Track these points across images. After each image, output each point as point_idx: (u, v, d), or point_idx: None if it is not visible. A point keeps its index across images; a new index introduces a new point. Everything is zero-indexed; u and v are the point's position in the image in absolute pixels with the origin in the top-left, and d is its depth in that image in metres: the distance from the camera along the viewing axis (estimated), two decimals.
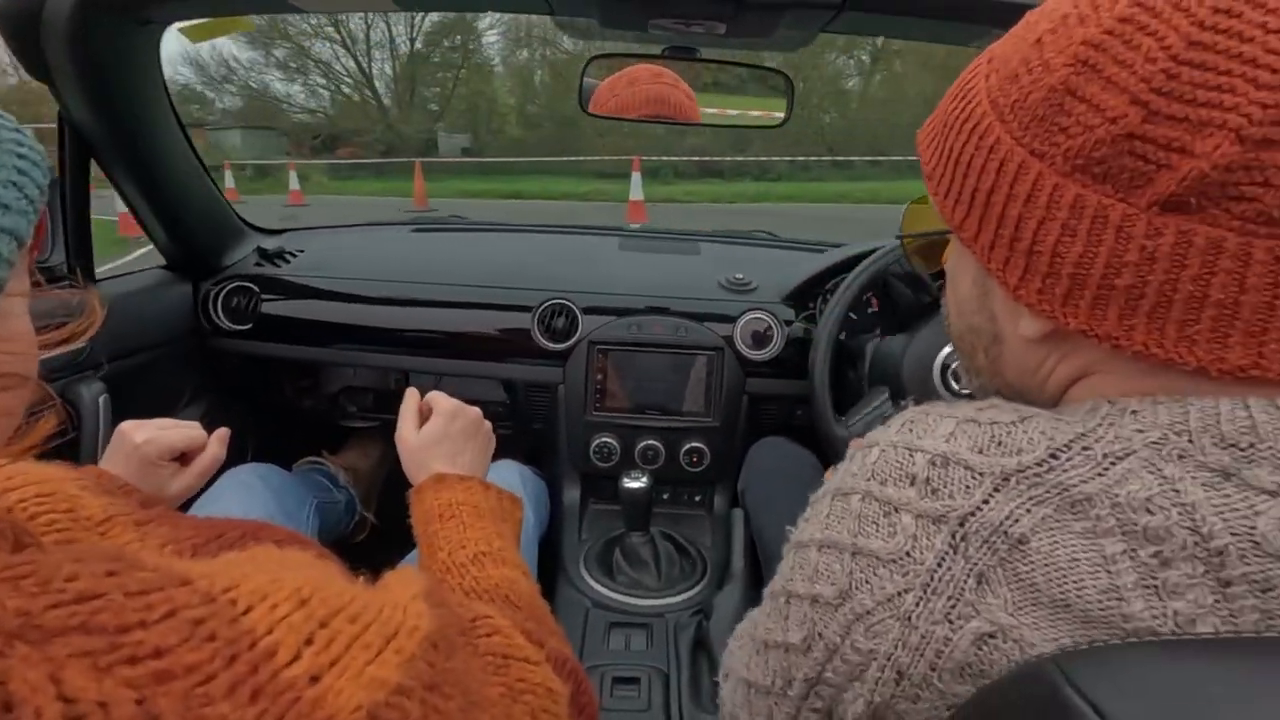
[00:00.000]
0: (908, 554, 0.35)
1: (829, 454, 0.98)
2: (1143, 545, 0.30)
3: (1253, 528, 0.29)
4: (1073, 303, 0.34)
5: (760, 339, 1.18)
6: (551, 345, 1.18)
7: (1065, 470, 0.32)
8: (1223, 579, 0.29)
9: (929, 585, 0.34)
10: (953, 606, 0.33)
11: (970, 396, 0.86)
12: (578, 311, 1.19)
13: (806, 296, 1.20)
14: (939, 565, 0.34)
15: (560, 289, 1.21)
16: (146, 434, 0.67)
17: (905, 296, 1.17)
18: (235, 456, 1.31)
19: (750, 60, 1.09)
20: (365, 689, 0.24)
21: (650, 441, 1.19)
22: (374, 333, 1.22)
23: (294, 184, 11.33)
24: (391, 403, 1.39)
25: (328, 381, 1.41)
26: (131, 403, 1.08)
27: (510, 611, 0.48)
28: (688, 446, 1.20)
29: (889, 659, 0.35)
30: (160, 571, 0.23)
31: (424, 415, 0.71)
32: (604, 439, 1.19)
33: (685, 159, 14.71)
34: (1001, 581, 0.32)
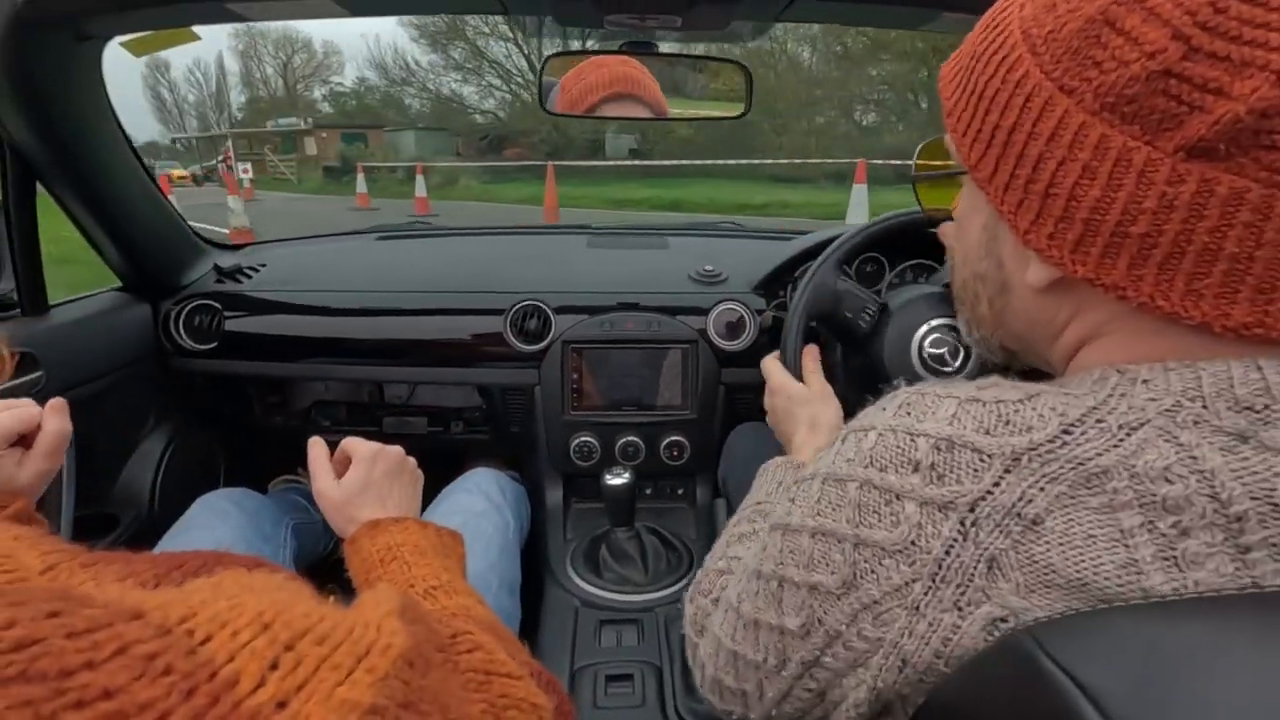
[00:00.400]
0: (913, 543, 0.34)
1: None
2: (1161, 516, 0.29)
3: (1272, 490, 0.29)
4: (1083, 249, 0.34)
5: (733, 329, 1.18)
6: (525, 347, 1.18)
7: (1080, 444, 0.32)
8: (1242, 545, 0.29)
9: (937, 574, 0.33)
10: (962, 594, 0.33)
11: (952, 374, 0.88)
12: (550, 312, 1.18)
13: (776, 285, 1.21)
14: (947, 554, 0.33)
15: (531, 290, 1.20)
16: None
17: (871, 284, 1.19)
18: (207, 479, 1.29)
19: (709, 54, 1.09)
20: (335, 712, 0.23)
21: (630, 438, 1.19)
22: (343, 345, 1.20)
23: (420, 190, 10.91)
24: (367, 415, 1.37)
25: (298, 397, 1.39)
26: (93, 431, 1.05)
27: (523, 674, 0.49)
28: (667, 440, 1.20)
29: (895, 646, 0.35)
30: (109, 608, 0.22)
31: (341, 464, 0.68)
32: (583, 438, 1.19)
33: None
34: (1014, 565, 0.31)
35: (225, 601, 0.25)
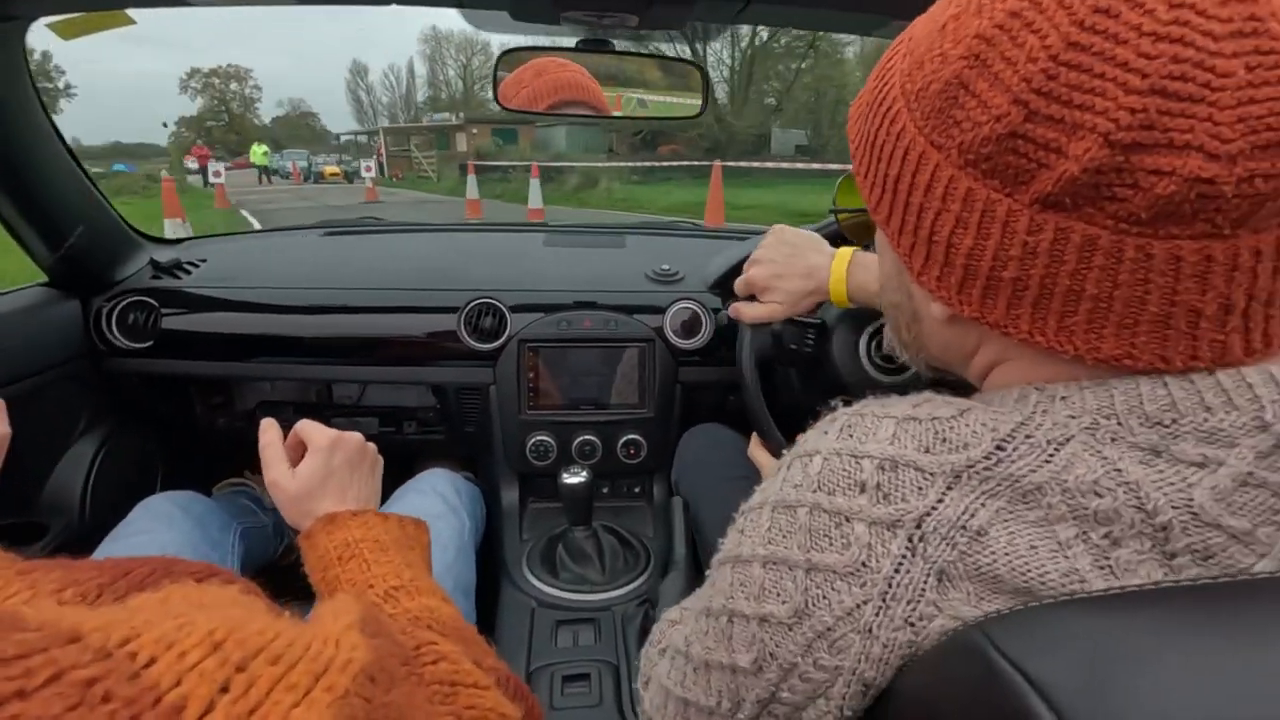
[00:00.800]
0: (864, 564, 0.34)
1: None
2: (1094, 528, 0.31)
3: (1190, 500, 0.30)
4: (966, 291, 0.36)
5: (689, 328, 1.19)
6: (480, 346, 1.16)
7: (1013, 461, 0.33)
8: (1168, 552, 0.30)
9: (886, 593, 0.34)
10: (913, 609, 0.33)
11: (897, 372, 0.90)
12: (505, 310, 1.17)
13: (731, 283, 1.22)
14: (896, 571, 0.33)
15: (486, 288, 1.19)
16: None
17: None
18: (143, 484, 1.23)
19: (665, 53, 1.09)
20: None
21: (586, 436, 1.19)
22: (290, 343, 1.16)
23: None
24: (315, 415, 1.33)
25: (242, 397, 1.34)
26: (19, 435, 0.99)
27: (437, 639, 0.48)
28: (624, 439, 1.20)
29: (854, 673, 0.35)
30: (44, 630, 0.21)
31: (295, 450, 0.64)
32: (540, 437, 1.18)
33: None
34: (963, 576, 0.32)
35: (173, 621, 0.23)
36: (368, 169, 14.81)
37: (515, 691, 0.45)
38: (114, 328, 1.12)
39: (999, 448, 0.33)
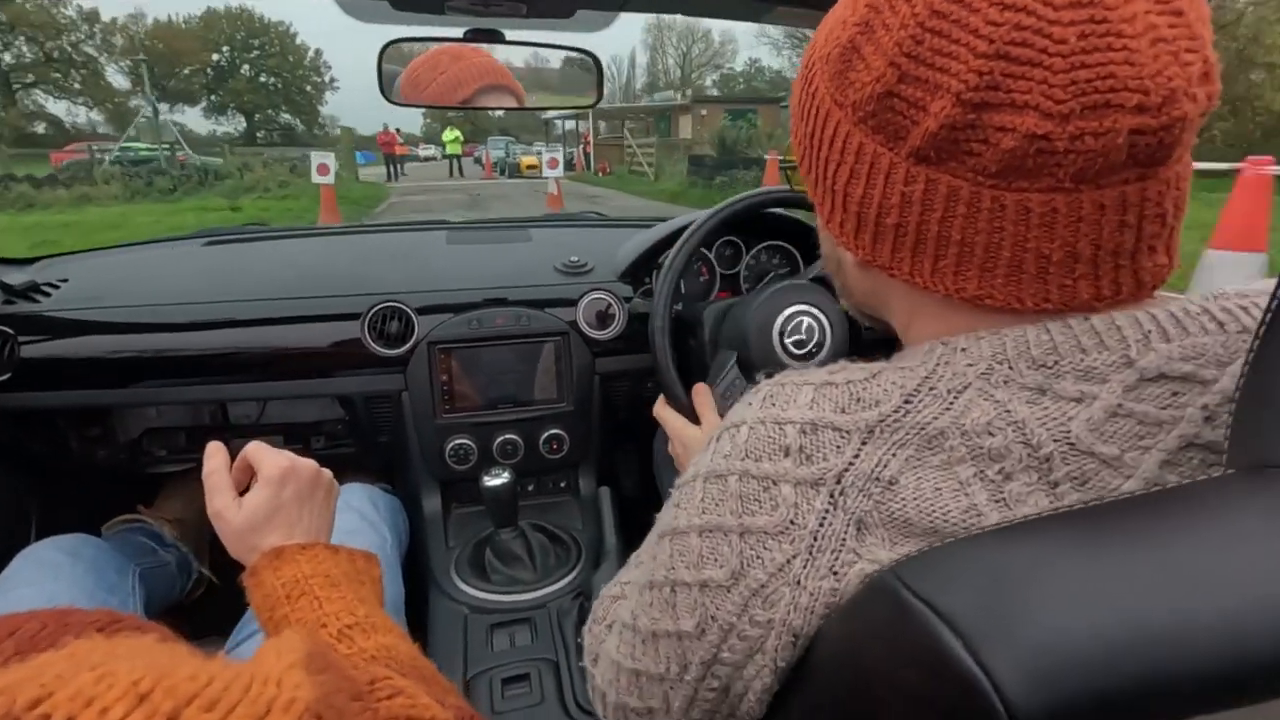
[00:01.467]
0: (792, 522, 0.37)
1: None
2: (989, 465, 0.34)
3: (1068, 432, 0.34)
4: (861, 237, 0.40)
5: (603, 318, 1.19)
6: (387, 351, 1.12)
7: (920, 411, 0.36)
8: (1051, 481, 0.34)
9: (812, 546, 0.36)
10: (836, 558, 0.36)
11: (806, 358, 0.94)
12: (411, 313, 1.13)
13: (641, 271, 1.23)
14: (820, 525, 0.36)
15: (389, 291, 1.14)
16: None
17: (730, 264, 1.24)
18: (18, 532, 1.11)
19: (557, 42, 1.08)
20: None
21: (507, 436, 1.17)
22: (175, 363, 1.07)
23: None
24: (211, 439, 1.24)
25: (124, 427, 1.23)
26: None
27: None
28: (546, 435, 1.19)
29: (784, 624, 0.37)
30: None
31: (242, 474, 0.60)
32: (458, 440, 1.15)
33: None
34: (878, 523, 0.35)
35: (89, 674, 0.21)
36: (552, 163, 10.19)
37: None
38: None
39: (906, 401, 0.37)
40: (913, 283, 0.38)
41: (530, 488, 1.26)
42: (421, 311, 1.13)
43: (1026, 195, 0.34)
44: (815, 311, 0.92)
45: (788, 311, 0.91)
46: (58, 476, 1.21)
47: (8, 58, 33.76)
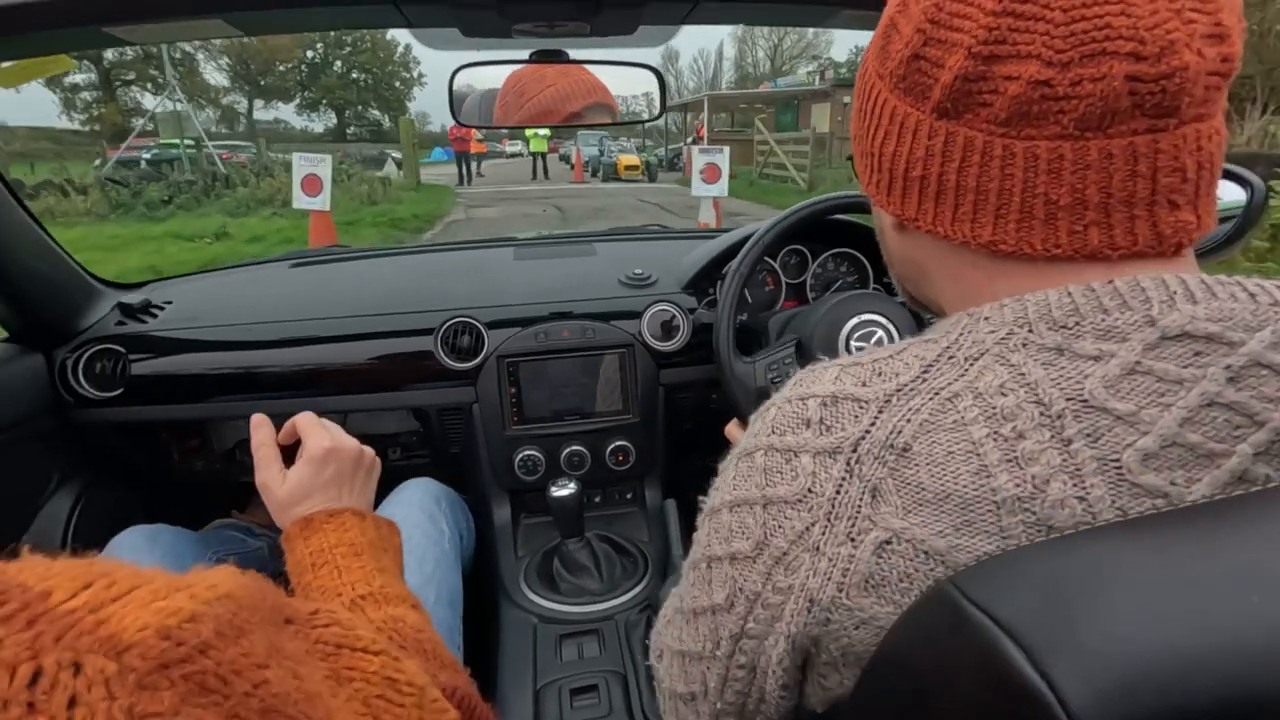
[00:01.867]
0: (809, 490, 0.38)
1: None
2: (1001, 424, 0.35)
3: (1081, 389, 0.34)
4: (892, 193, 0.43)
5: (668, 330, 1.19)
6: (459, 365, 1.15)
7: (936, 378, 0.37)
8: (1064, 438, 0.34)
9: (830, 513, 0.37)
10: (853, 525, 0.36)
11: None
12: (481, 327, 1.16)
13: (705, 282, 1.23)
14: (838, 492, 0.37)
15: (461, 306, 1.18)
16: None
17: (798, 274, 1.22)
18: None
19: (620, 58, 1.09)
20: (153, 615, 0.24)
21: (574, 447, 1.18)
22: (265, 378, 1.14)
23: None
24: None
25: (219, 438, 1.31)
26: None
27: (396, 651, 0.47)
28: (612, 446, 1.20)
29: (803, 589, 0.38)
30: None
31: (289, 438, 0.64)
32: (527, 451, 1.18)
33: None
34: (892, 490, 0.36)
35: (40, 560, 0.26)
36: (711, 172, 6.02)
37: (462, 702, 0.45)
38: (81, 378, 1.09)
39: (925, 370, 0.38)
40: (935, 232, 0.41)
41: (597, 499, 1.27)
42: (491, 326, 1.16)
43: (1035, 143, 0.36)
44: (884, 320, 0.90)
45: (855, 320, 0.89)
46: (159, 485, 1.30)
47: (110, 55, 34.43)
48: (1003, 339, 0.37)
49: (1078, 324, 0.36)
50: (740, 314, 1.04)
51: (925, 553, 0.35)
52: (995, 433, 0.35)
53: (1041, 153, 0.36)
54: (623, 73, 1.01)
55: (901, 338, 0.90)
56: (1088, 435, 0.34)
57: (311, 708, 0.29)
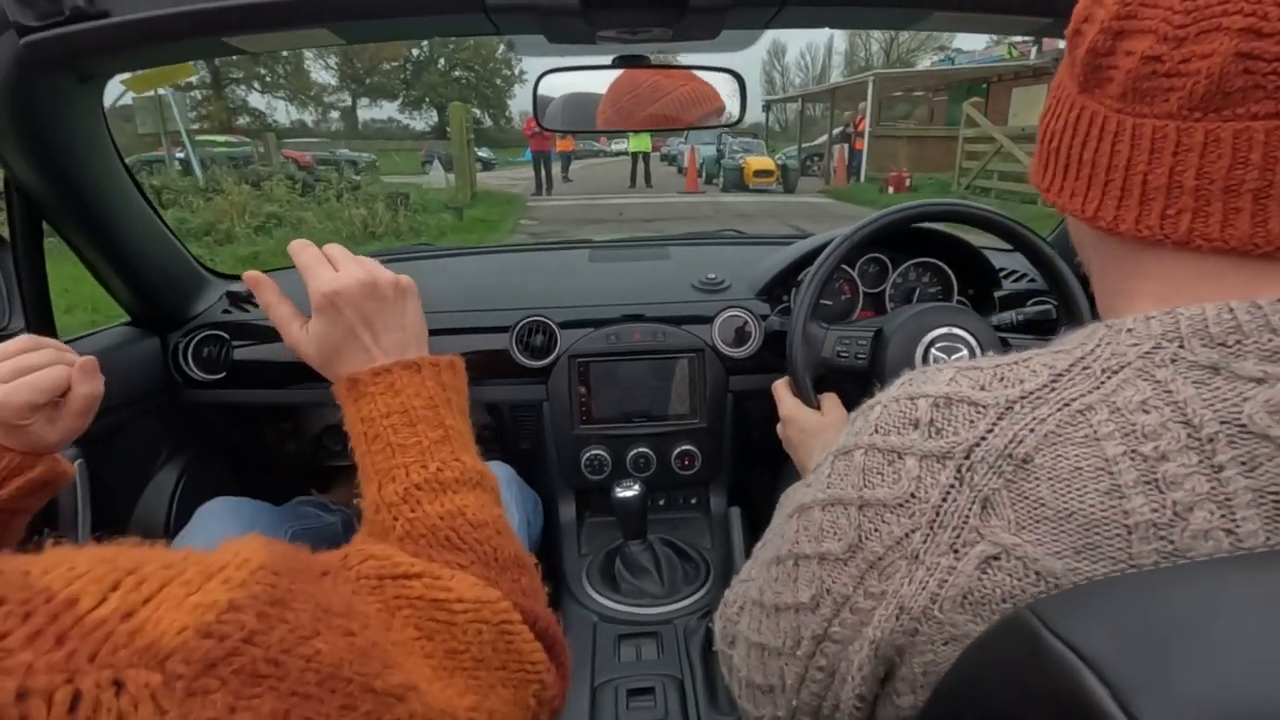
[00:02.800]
0: (913, 495, 0.36)
1: None
2: (1141, 443, 0.32)
3: (1239, 413, 0.32)
4: (1046, 174, 0.42)
5: (739, 336, 1.18)
6: (532, 363, 1.18)
7: (1067, 388, 0.35)
8: (1215, 464, 0.31)
9: (935, 521, 0.35)
10: (957, 536, 0.35)
11: None
12: (555, 327, 1.18)
13: (779, 289, 1.21)
14: (944, 500, 0.35)
15: (535, 306, 1.21)
16: None
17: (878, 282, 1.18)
18: None
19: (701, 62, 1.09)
20: (190, 614, 0.23)
21: (640, 449, 1.19)
22: None
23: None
24: None
25: (309, 423, 1.39)
26: (108, 466, 1.06)
27: (452, 555, 0.43)
28: (678, 450, 1.20)
29: (895, 596, 0.36)
30: None
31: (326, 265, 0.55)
32: (594, 451, 1.19)
33: None
34: (1006, 503, 0.34)
35: (67, 550, 0.25)
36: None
37: (543, 632, 0.42)
38: (190, 361, 1.18)
39: (1054, 379, 0.36)
40: (1060, 207, 0.41)
41: (661, 502, 1.27)
42: (564, 326, 1.19)
43: (1144, 121, 0.35)
44: (965, 334, 0.86)
45: (938, 331, 0.86)
46: (256, 465, 1.39)
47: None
48: (1147, 353, 0.35)
49: (1239, 342, 0.33)
50: (814, 322, 1.02)
51: (1037, 573, 0.33)
52: (1133, 451, 0.32)
53: (1148, 131, 0.35)
54: (713, 80, 1.01)
55: (983, 353, 0.86)
56: (1243, 463, 0.31)
57: (366, 662, 0.28)
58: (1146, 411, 0.33)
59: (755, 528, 1.06)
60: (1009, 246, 0.96)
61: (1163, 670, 0.24)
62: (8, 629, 0.20)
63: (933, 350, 0.86)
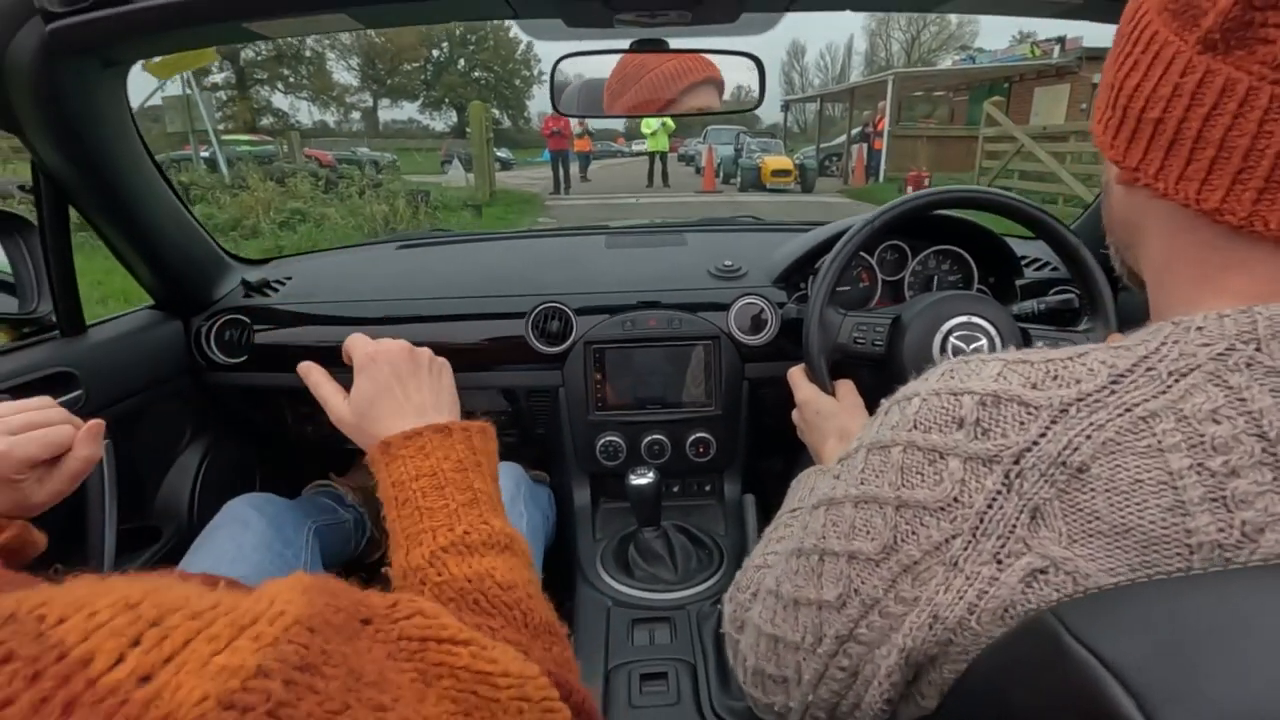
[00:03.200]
0: (955, 499, 0.34)
1: None
2: (1210, 456, 0.30)
3: None
4: (1119, 135, 0.38)
5: (755, 324, 1.18)
6: (547, 349, 1.18)
7: (1129, 392, 0.32)
8: None
9: (978, 528, 0.33)
10: (1002, 546, 0.33)
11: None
12: (571, 313, 1.19)
13: (796, 277, 1.20)
14: (989, 507, 0.33)
15: (552, 292, 1.21)
16: None
17: (896, 270, 1.17)
18: (243, 490, 1.31)
19: (720, 46, 1.08)
20: (213, 679, 0.21)
21: (655, 436, 1.19)
22: None
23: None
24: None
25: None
26: (133, 446, 1.08)
27: (482, 619, 0.42)
28: (693, 437, 1.20)
29: (929, 603, 0.35)
30: None
31: (350, 362, 0.62)
32: (609, 437, 1.19)
33: None
34: (1057, 514, 0.32)
35: (89, 588, 0.23)
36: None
37: (578, 707, 0.40)
38: (213, 344, 1.20)
39: (1114, 380, 0.33)
40: (1155, 188, 0.36)
41: (675, 489, 1.27)
42: (580, 312, 1.19)
43: None
44: (984, 323, 0.85)
45: (956, 320, 0.85)
46: (276, 446, 1.41)
47: (248, 52, 35.47)
48: (1220, 354, 0.31)
49: None
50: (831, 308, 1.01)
51: (1086, 590, 0.31)
52: (1200, 465, 0.30)
53: None
54: (727, 65, 0.99)
55: (1005, 346, 0.84)
56: None
57: None
58: (1217, 421, 0.30)
59: (769, 515, 1.06)
60: (1031, 234, 0.95)
61: (1192, 681, 0.23)
62: (13, 694, 0.19)
63: (951, 339, 0.85)
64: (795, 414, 0.89)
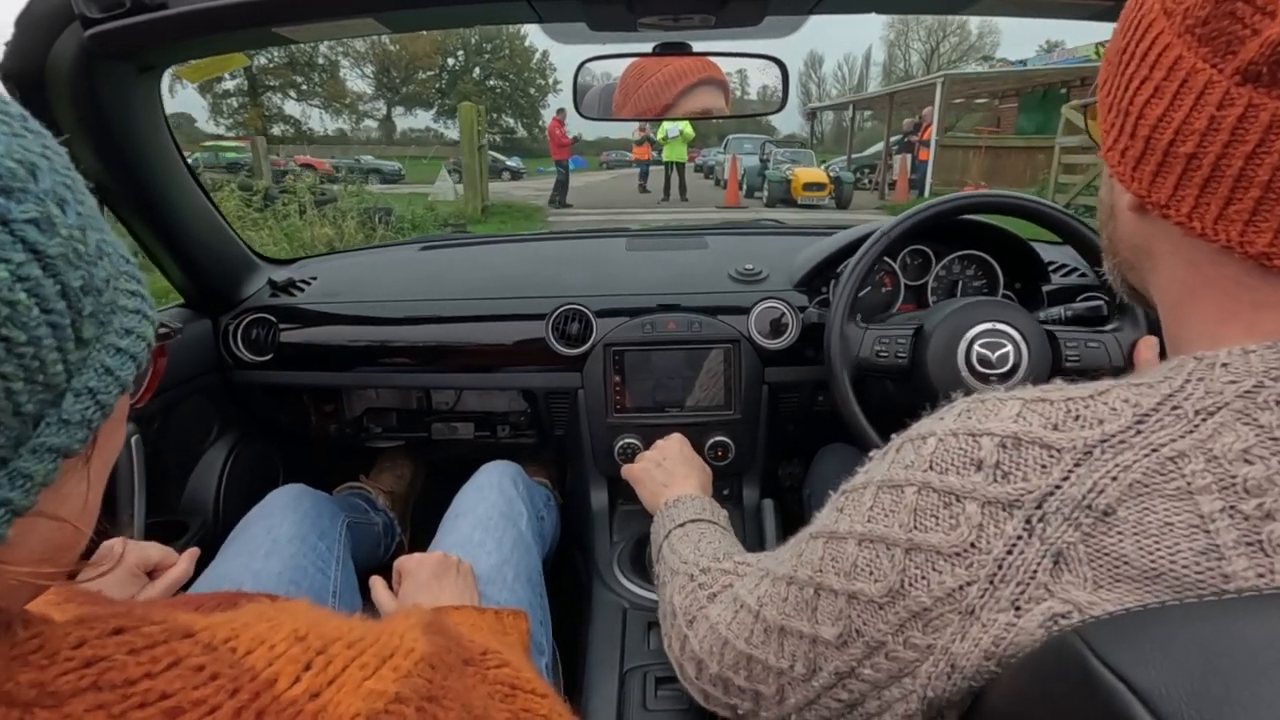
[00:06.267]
0: (972, 545, 0.33)
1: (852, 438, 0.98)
2: (1243, 499, 0.29)
3: None
4: (1141, 168, 0.35)
5: (775, 328, 1.17)
6: (567, 351, 1.19)
7: (1155, 432, 0.31)
8: None
9: (996, 575, 0.32)
10: (1021, 592, 0.32)
11: (1005, 377, 0.85)
12: (591, 315, 1.19)
13: (818, 281, 1.19)
14: (1009, 553, 0.32)
15: (572, 294, 1.21)
16: (128, 546, 0.71)
17: (919, 274, 1.16)
18: (267, 487, 1.34)
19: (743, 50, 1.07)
20: (364, 699, 0.27)
21: None
22: (391, 353, 1.23)
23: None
24: (416, 421, 1.41)
25: (351, 405, 1.43)
26: (162, 441, 1.11)
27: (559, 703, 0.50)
28: (712, 441, 1.19)
29: (945, 652, 0.34)
30: (166, 625, 0.27)
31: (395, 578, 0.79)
32: (627, 439, 1.20)
33: None
34: (1082, 560, 0.31)
35: (265, 623, 0.29)
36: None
37: None
38: (239, 343, 1.22)
39: (1139, 420, 0.31)
40: (1189, 228, 0.33)
41: None
42: (600, 314, 1.19)
43: None
44: (1009, 330, 0.84)
45: (978, 328, 0.83)
46: (300, 444, 1.43)
47: (261, 59, 35.56)
48: (1247, 392, 0.30)
49: None
50: (854, 316, 1.01)
51: (1060, 631, 0.30)
52: (1233, 508, 0.29)
53: None
54: (741, 68, 0.98)
55: (1031, 353, 0.83)
56: None
57: None
58: (1249, 462, 0.29)
59: (788, 520, 1.05)
60: (1059, 239, 0.93)
61: (1226, 711, 0.23)
62: (219, 701, 0.25)
63: (975, 346, 0.84)
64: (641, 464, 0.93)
